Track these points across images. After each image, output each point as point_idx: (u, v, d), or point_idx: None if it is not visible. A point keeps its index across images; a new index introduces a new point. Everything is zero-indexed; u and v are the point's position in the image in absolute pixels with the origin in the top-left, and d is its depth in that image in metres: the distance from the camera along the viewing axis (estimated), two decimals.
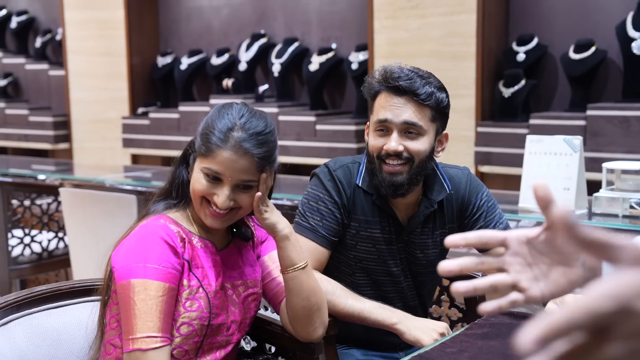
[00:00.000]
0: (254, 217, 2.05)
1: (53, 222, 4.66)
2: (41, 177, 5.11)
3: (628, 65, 4.95)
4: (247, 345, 2.23)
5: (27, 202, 4.59)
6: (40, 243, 4.59)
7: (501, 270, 1.13)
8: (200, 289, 1.89)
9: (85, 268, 4.17)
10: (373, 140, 2.26)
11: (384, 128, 2.23)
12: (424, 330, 2.15)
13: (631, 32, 4.88)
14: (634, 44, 4.86)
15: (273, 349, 2.20)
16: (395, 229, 2.34)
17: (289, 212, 3.06)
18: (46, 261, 4.63)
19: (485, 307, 1.11)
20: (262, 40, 6.52)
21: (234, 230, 2.06)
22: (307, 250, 2.19)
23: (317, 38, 6.40)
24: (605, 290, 0.77)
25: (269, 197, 1.97)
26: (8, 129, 7.56)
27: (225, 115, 1.90)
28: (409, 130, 2.20)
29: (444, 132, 2.31)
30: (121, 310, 1.83)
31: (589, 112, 4.84)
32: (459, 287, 1.10)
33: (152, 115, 6.76)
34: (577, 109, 5.08)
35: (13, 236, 4.47)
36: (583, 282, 1.19)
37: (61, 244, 4.66)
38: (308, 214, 2.31)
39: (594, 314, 0.75)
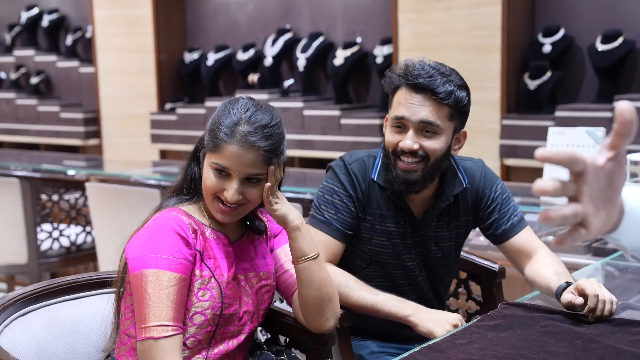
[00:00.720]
0: (266, 212, 2.08)
1: (81, 216, 4.71)
2: (70, 172, 5.18)
3: None
4: (263, 336, 2.25)
5: (55, 197, 4.64)
6: (68, 237, 4.65)
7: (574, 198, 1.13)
8: (212, 279, 1.91)
9: (111, 261, 4.16)
10: (389, 136, 2.26)
11: (401, 125, 2.22)
12: (437, 322, 2.15)
13: None
14: None
15: (287, 341, 2.21)
16: (411, 223, 2.35)
17: (310, 206, 3.08)
18: (74, 255, 4.69)
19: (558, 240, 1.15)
20: (288, 35, 6.52)
21: (248, 223, 2.07)
22: (321, 244, 2.20)
23: (342, 32, 6.39)
24: None
25: (279, 189, 1.98)
26: (40, 125, 7.61)
27: (231, 110, 1.92)
28: (426, 128, 2.20)
29: (463, 130, 2.30)
30: (134, 300, 1.86)
31: (616, 103, 4.80)
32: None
33: (179, 110, 6.79)
34: (604, 100, 5.03)
35: (42, 230, 4.53)
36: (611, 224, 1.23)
37: (89, 238, 4.71)
38: (323, 207, 2.32)
39: None
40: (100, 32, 7.34)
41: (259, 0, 6.85)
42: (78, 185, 4.64)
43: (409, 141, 2.19)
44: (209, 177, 1.92)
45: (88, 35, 7.62)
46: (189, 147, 6.15)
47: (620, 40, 5.02)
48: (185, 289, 1.86)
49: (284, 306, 2.24)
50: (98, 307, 2.11)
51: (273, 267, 2.09)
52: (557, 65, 5.30)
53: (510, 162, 5.19)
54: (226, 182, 1.90)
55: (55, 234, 4.59)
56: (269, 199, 1.92)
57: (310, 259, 1.98)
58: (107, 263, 4.24)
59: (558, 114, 4.97)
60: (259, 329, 2.22)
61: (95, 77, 7.43)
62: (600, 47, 5.07)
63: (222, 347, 1.96)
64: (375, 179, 2.32)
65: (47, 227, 4.58)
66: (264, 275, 2.05)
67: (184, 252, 1.86)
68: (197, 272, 1.90)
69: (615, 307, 1.99)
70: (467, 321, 2.67)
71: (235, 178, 1.89)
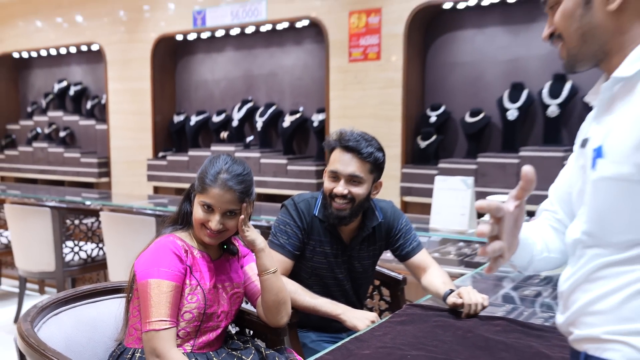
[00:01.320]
0: (238, 239, 2.08)
1: (95, 236, 4.61)
2: (87, 202, 5.10)
3: (505, 127, 5.09)
4: (233, 330, 2.23)
5: (77, 222, 4.54)
6: (86, 251, 4.54)
7: (496, 237, 1.16)
8: (198, 287, 1.90)
9: (117, 270, 4.14)
10: (327, 184, 2.26)
11: (335, 176, 2.23)
12: (360, 319, 2.16)
13: (507, 104, 5.03)
14: (508, 113, 5.00)
15: (251, 333, 2.20)
16: (341, 247, 2.34)
17: (266, 231, 3.07)
18: (90, 264, 4.58)
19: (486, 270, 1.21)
20: (249, 105, 6.55)
21: (225, 246, 2.07)
22: (277, 261, 2.19)
23: (289, 103, 6.44)
24: None
25: (249, 220, 1.99)
26: (65, 167, 7.50)
27: (215, 163, 1.94)
28: (353, 179, 2.20)
29: (379, 180, 2.30)
30: (141, 302, 1.84)
31: (479, 159, 4.93)
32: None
33: (169, 157, 6.73)
34: (471, 157, 5.17)
35: (66, 246, 4.42)
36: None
37: (101, 252, 4.60)
38: (278, 234, 2.31)
39: None
40: (112, 100, 7.27)
41: (229, 79, 6.86)
42: (93, 213, 4.55)
43: (340, 188, 2.20)
44: (198, 211, 1.92)
45: (103, 102, 7.54)
46: (177, 185, 6.17)
47: (481, 115, 5.18)
48: (179, 293, 1.85)
49: (249, 307, 2.23)
50: (112, 308, 2.07)
51: (242, 279, 2.08)
52: (440, 131, 5.43)
53: (408, 198, 5.27)
54: (211, 215, 1.90)
55: (76, 249, 4.48)
56: (242, 227, 1.93)
57: (270, 272, 1.98)
58: (115, 271, 4.17)
59: (440, 165, 5.08)
60: (231, 324, 2.21)
61: (107, 132, 7.34)
62: (469, 119, 5.23)
63: (204, 338, 1.94)
64: (316, 215, 2.31)
65: (70, 244, 4.46)
66: (236, 285, 2.04)
67: (179, 266, 1.86)
68: (187, 281, 1.89)
69: (481, 308, 2.01)
70: (379, 315, 2.71)
71: (217, 212, 1.90)
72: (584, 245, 1.22)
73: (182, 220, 2.02)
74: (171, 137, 7.12)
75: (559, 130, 4.88)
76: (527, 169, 1.13)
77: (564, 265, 1.41)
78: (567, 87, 4.79)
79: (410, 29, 5.31)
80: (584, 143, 1.27)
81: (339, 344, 1.80)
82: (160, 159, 6.83)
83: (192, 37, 6.81)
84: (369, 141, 2.23)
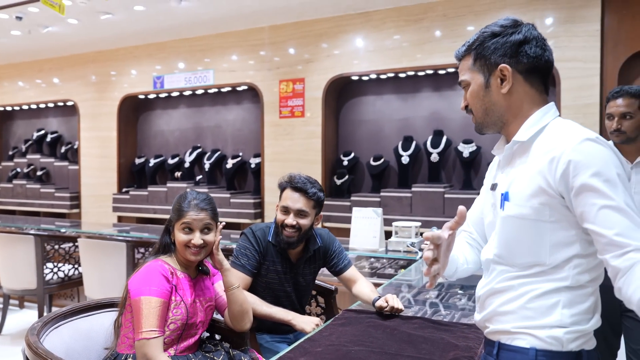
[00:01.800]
0: (208, 262, 2.01)
1: (72, 258, 4.32)
2: (63, 230, 4.78)
3: (400, 169, 5.18)
4: (205, 335, 2.15)
5: (56, 246, 4.25)
6: (63, 271, 4.24)
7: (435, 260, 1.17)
8: (182, 302, 1.82)
9: (93, 287, 3.88)
10: (279, 216, 2.24)
11: (286, 210, 2.22)
12: (307, 323, 2.13)
13: (401, 152, 5.15)
14: (402, 158, 5.13)
15: (219, 337, 2.13)
16: (290, 266, 2.31)
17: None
18: (67, 282, 4.27)
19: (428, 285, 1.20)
20: (199, 150, 6.41)
21: (200, 268, 2.00)
22: (239, 278, 2.14)
23: (231, 149, 6.36)
24: None
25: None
26: (41, 200, 6.99)
27: (185, 196, 1.91)
28: (300, 213, 2.20)
29: (320, 214, 2.30)
30: (134, 315, 1.74)
31: (382, 194, 5.03)
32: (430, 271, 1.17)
33: (131, 192, 6.44)
34: (375, 192, 5.27)
35: (46, 267, 4.12)
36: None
37: (76, 272, 4.32)
38: (240, 256, 2.25)
39: None
40: (83, 145, 6.90)
41: (182, 129, 6.70)
42: (71, 239, 4.28)
43: (290, 220, 2.20)
44: (180, 236, 1.86)
45: (75, 147, 7.14)
46: (138, 215, 5.91)
47: (382, 160, 5.31)
48: (166, 307, 1.77)
49: (217, 317, 2.15)
50: (104, 320, 1.95)
51: (213, 294, 2.01)
52: (351, 172, 5.50)
53: (327, 224, 5.26)
54: (191, 235, 1.86)
55: (55, 269, 4.18)
56: (216, 249, 1.89)
57: (235, 288, 1.93)
58: (91, 288, 3.91)
59: (352, 198, 5.13)
60: None
61: (79, 171, 6.94)
62: (372, 163, 5.34)
63: (185, 343, 1.86)
64: (270, 240, 2.28)
65: (50, 265, 4.17)
66: (209, 299, 1.97)
67: (166, 285, 1.78)
68: (173, 297, 1.80)
69: (401, 310, 2.04)
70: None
71: (196, 230, 1.85)
72: (495, 263, 1.26)
73: (164, 249, 1.94)
74: (133, 175, 6.83)
75: (439, 171, 5.07)
76: (462, 209, 1.17)
77: (475, 273, 1.47)
78: (444, 140, 5.01)
79: (327, 94, 5.41)
80: (493, 187, 1.31)
81: (296, 344, 1.76)
82: (124, 194, 6.52)
83: (152, 96, 6.63)
84: (312, 183, 2.24)
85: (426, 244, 1.20)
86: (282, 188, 2.26)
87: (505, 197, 1.22)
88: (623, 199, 1.06)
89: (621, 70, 4.40)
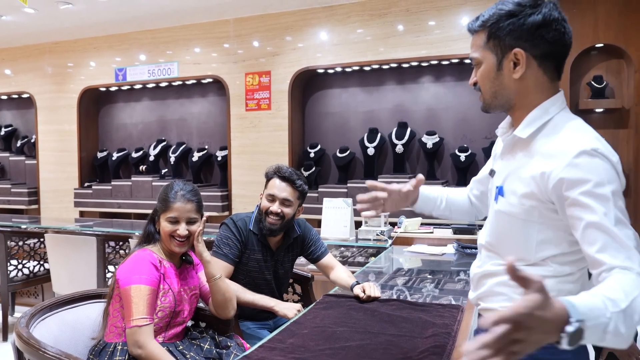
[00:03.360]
0: (192, 252, 2.04)
1: (37, 254, 4.24)
2: (25, 226, 4.66)
3: (365, 160, 5.28)
4: (189, 323, 2.19)
5: (20, 243, 4.16)
6: (28, 268, 4.16)
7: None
8: (170, 291, 1.86)
9: (62, 282, 3.83)
10: (265, 203, 2.29)
11: (272, 198, 2.28)
12: (289, 309, 2.20)
13: (366, 143, 5.25)
14: (367, 150, 5.23)
15: (204, 325, 2.17)
16: (270, 253, 2.37)
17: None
18: (32, 279, 4.19)
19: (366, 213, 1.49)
20: (163, 143, 6.35)
21: (183, 258, 2.02)
22: (222, 267, 2.19)
23: (197, 142, 6.33)
24: (516, 305, 0.80)
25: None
26: None
27: (172, 186, 1.93)
28: (285, 202, 2.27)
29: (302, 205, 2.37)
30: (124, 304, 1.77)
31: (348, 184, 5.12)
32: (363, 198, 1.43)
33: (93, 187, 6.32)
34: (342, 183, 5.35)
35: (11, 264, 4.02)
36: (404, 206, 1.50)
37: (42, 269, 4.24)
38: (222, 245, 2.29)
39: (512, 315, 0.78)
40: (41, 139, 6.71)
41: (145, 122, 6.62)
42: (35, 235, 4.19)
43: (275, 207, 2.26)
44: (166, 226, 1.89)
45: (32, 141, 6.94)
46: (101, 210, 5.83)
47: (348, 152, 5.40)
48: (155, 296, 1.80)
49: (201, 305, 2.19)
50: (89, 311, 1.96)
51: (197, 283, 2.04)
52: (317, 163, 5.57)
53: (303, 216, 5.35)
54: (177, 226, 1.89)
55: (20, 266, 4.09)
56: (197, 238, 1.92)
57: (217, 278, 1.97)
58: (59, 283, 3.85)
59: (320, 189, 5.20)
60: None
61: (37, 166, 6.75)
62: (339, 155, 5.42)
63: (173, 330, 1.90)
64: (251, 229, 2.33)
65: (14, 262, 4.07)
66: (194, 287, 2.01)
67: (155, 273, 1.81)
68: (161, 286, 1.84)
69: (378, 296, 2.12)
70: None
71: (182, 222, 1.89)
72: (486, 249, 1.33)
73: (149, 238, 1.96)
74: (95, 169, 6.70)
75: (404, 162, 5.22)
76: (420, 176, 1.40)
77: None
78: (408, 131, 5.16)
79: (293, 87, 5.47)
80: (492, 173, 1.35)
81: (283, 327, 1.82)
82: (86, 188, 6.39)
83: (113, 89, 6.51)
84: (299, 176, 2.31)
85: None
86: (270, 177, 2.32)
87: (499, 191, 1.24)
88: (613, 216, 1.03)
89: (573, 65, 4.65)
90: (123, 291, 1.77)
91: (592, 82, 4.68)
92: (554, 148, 1.13)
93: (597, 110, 4.73)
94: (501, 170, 1.28)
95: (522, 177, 1.18)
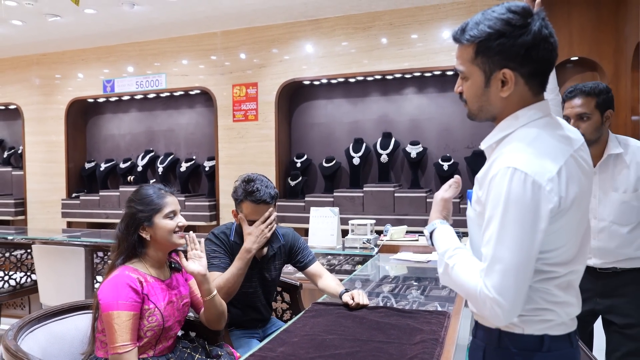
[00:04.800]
0: (177, 258, 1.96)
1: (24, 266, 4.15)
2: (10, 237, 4.57)
3: (351, 170, 5.30)
4: (179, 333, 2.15)
5: (7, 254, 4.07)
6: (15, 279, 4.07)
7: None
8: (156, 309, 1.79)
9: (49, 294, 3.75)
10: (246, 227, 2.22)
11: (253, 222, 2.21)
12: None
13: (352, 153, 5.28)
14: (353, 160, 5.26)
15: (194, 334, 2.14)
16: (254, 263, 2.31)
17: None
18: (19, 291, 4.10)
19: None
20: (151, 154, 6.31)
21: (172, 266, 1.97)
22: (218, 276, 2.15)
23: (184, 152, 6.29)
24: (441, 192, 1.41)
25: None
26: None
27: (148, 189, 1.87)
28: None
29: (276, 205, 2.31)
30: (106, 328, 1.70)
31: (334, 194, 5.13)
32: None
33: (81, 197, 6.24)
34: (328, 192, 5.36)
35: None
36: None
37: (29, 280, 4.15)
38: (210, 259, 2.21)
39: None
40: (28, 150, 6.62)
41: (133, 133, 6.56)
42: (22, 246, 4.10)
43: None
44: (167, 223, 1.82)
45: (19, 152, 6.83)
46: (89, 220, 5.74)
47: (334, 162, 5.42)
48: (137, 319, 1.73)
49: (191, 314, 2.16)
50: (78, 322, 1.91)
51: (188, 291, 1.99)
52: (304, 173, 5.58)
53: (282, 224, 5.32)
54: (175, 219, 1.85)
55: (6, 277, 4.00)
56: (189, 256, 1.88)
57: (213, 295, 1.93)
58: (47, 295, 3.77)
59: (306, 199, 5.20)
60: None
61: (24, 177, 6.65)
62: (325, 165, 5.44)
63: (163, 344, 1.85)
64: (233, 240, 2.29)
65: (0, 273, 3.99)
66: (184, 296, 1.96)
67: (135, 297, 1.73)
68: (146, 306, 1.77)
69: (366, 304, 2.10)
70: (282, 314, 2.72)
71: (178, 213, 1.86)
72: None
73: (132, 252, 1.84)
74: (83, 180, 6.62)
75: (388, 172, 5.25)
76: (457, 178, 1.42)
77: None
78: (393, 141, 5.19)
79: (280, 98, 5.48)
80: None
81: (273, 335, 1.80)
82: (74, 199, 6.31)
83: (101, 100, 6.45)
84: (267, 187, 2.22)
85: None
86: (239, 200, 2.23)
87: (469, 196, 1.28)
88: (509, 236, 1.08)
89: None
90: (104, 316, 1.71)
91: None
92: (495, 158, 1.16)
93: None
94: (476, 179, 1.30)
95: (478, 183, 1.21)
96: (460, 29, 1.20)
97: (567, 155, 1.14)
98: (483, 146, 1.23)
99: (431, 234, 1.33)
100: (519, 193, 1.07)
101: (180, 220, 1.86)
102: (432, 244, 1.32)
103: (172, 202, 1.86)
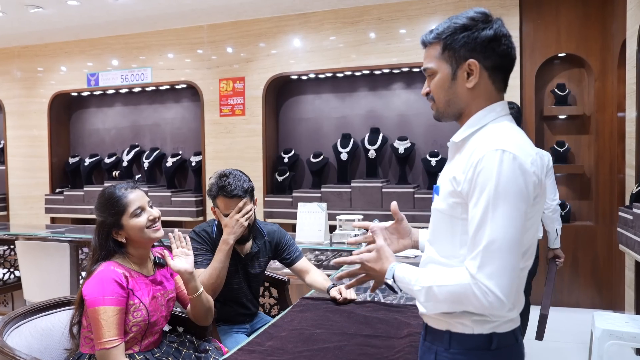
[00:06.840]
0: (160, 253, 1.96)
1: (7, 262, 4.12)
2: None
3: (339, 165, 5.30)
4: (166, 328, 2.15)
5: None
6: None
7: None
8: (141, 304, 1.79)
9: (32, 290, 3.73)
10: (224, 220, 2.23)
11: (228, 215, 2.22)
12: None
13: (340, 149, 5.29)
14: (341, 155, 5.27)
15: (182, 330, 2.14)
16: (239, 259, 2.33)
17: None
18: (2, 287, 4.07)
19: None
20: (137, 149, 6.26)
21: (156, 262, 1.95)
22: (203, 272, 2.16)
23: (170, 147, 6.26)
24: (360, 254, 1.31)
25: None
26: None
27: (115, 189, 1.85)
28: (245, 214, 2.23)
29: (255, 198, 2.30)
30: (92, 324, 1.70)
31: (322, 189, 5.15)
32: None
33: (65, 193, 6.18)
34: (315, 187, 5.38)
35: None
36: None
37: (12, 276, 4.12)
38: (198, 255, 2.23)
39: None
40: (10, 144, 6.54)
41: (118, 128, 6.51)
42: (5, 242, 4.08)
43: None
44: (136, 222, 1.79)
45: (0, 146, 6.74)
46: (73, 216, 5.68)
47: (322, 157, 5.43)
48: (123, 314, 1.73)
49: (178, 310, 2.16)
50: (63, 318, 1.91)
51: (173, 286, 1.99)
52: (291, 169, 5.59)
53: (270, 220, 5.33)
54: (144, 214, 1.82)
55: None
56: (174, 256, 1.88)
57: (199, 293, 1.93)
58: (31, 291, 3.75)
59: (294, 194, 5.21)
60: None
61: (5, 172, 6.57)
62: (312, 160, 5.44)
63: (148, 340, 1.85)
64: (215, 236, 2.29)
65: None
66: (170, 291, 1.95)
67: (120, 292, 1.73)
68: (131, 301, 1.77)
69: (353, 298, 2.14)
70: (270, 310, 2.74)
71: (146, 207, 1.82)
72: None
73: (110, 252, 1.82)
74: (67, 175, 6.55)
75: (376, 167, 5.28)
76: (394, 205, 1.43)
77: None
78: (380, 137, 5.21)
79: (267, 93, 5.47)
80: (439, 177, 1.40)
81: (261, 330, 1.83)
82: (58, 194, 6.25)
83: (85, 94, 6.39)
84: (239, 181, 2.22)
85: (363, 232, 1.34)
86: (214, 196, 2.24)
87: (435, 190, 1.29)
88: (501, 216, 1.09)
89: (537, 73, 4.78)
90: (90, 312, 1.70)
91: (556, 90, 4.82)
92: (474, 149, 1.18)
93: (561, 116, 4.87)
94: (442, 173, 1.32)
95: (449, 175, 1.23)
96: (428, 33, 1.28)
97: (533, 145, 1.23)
98: (457, 139, 1.26)
99: (393, 278, 1.26)
100: (509, 173, 1.10)
101: (150, 214, 1.83)
102: (399, 288, 1.26)
103: (135, 198, 1.81)
